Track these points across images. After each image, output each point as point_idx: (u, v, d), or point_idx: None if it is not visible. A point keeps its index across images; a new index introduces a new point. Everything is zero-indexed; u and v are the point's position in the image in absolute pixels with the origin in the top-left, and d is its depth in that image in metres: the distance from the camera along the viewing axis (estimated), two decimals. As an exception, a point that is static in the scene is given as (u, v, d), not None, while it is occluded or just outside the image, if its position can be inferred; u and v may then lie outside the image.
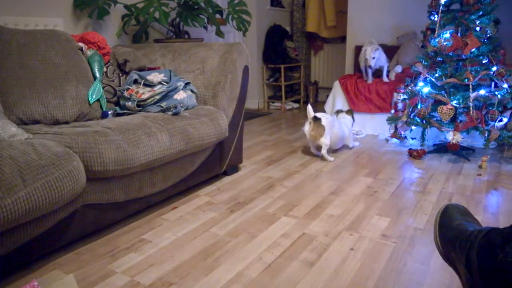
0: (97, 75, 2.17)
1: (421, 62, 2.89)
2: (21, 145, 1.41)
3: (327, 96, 4.05)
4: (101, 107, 2.13)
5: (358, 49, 4.43)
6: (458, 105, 2.63)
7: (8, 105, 1.75)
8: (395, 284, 1.36)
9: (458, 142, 2.62)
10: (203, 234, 1.75)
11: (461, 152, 2.82)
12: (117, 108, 2.21)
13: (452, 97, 2.66)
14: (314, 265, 1.49)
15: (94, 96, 2.07)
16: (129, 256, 1.57)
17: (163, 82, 2.21)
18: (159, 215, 1.95)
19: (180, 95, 2.17)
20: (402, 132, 3.09)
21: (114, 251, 1.62)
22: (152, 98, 2.13)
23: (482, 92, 2.60)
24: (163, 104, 2.10)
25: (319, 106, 5.21)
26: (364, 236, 1.70)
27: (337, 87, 3.82)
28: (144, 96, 2.12)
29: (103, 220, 1.72)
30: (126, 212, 1.83)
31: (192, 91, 2.28)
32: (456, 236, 0.96)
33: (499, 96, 2.59)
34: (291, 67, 5.30)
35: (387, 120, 3.22)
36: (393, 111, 3.27)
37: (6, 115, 1.66)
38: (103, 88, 2.17)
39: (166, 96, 2.15)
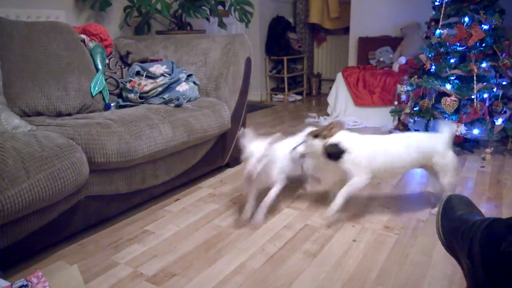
0: (100, 67, 2.16)
1: (425, 53, 2.86)
2: (24, 136, 1.41)
3: (330, 88, 4.03)
4: (103, 99, 2.13)
5: (361, 41, 4.41)
6: (462, 97, 2.62)
7: (11, 97, 1.75)
8: (398, 276, 1.36)
9: (461, 134, 2.60)
10: (206, 226, 1.75)
11: (465, 144, 2.80)
12: (120, 100, 2.21)
13: (456, 89, 2.65)
14: (316, 256, 1.49)
15: (96, 88, 2.07)
16: (132, 247, 1.58)
17: (165, 74, 2.21)
18: (162, 206, 1.96)
19: (183, 87, 2.16)
20: (408, 123, 3.07)
21: (118, 242, 1.63)
22: (155, 90, 2.12)
23: (486, 83, 2.58)
24: (166, 96, 2.10)
25: (322, 98, 5.20)
26: (366, 228, 1.70)
27: (340, 79, 3.80)
28: (147, 88, 2.12)
29: (106, 211, 1.73)
30: (129, 204, 1.84)
31: (194, 83, 2.27)
32: (459, 226, 0.95)
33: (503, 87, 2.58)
34: (294, 59, 5.28)
35: (390, 112, 3.21)
36: (396, 102, 3.25)
37: (9, 107, 1.66)
38: (105, 80, 2.16)
39: (168, 88, 2.14)
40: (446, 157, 1.71)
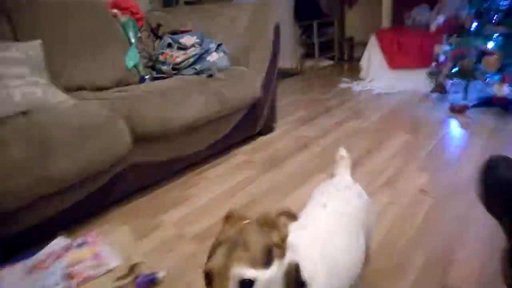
0: (133, 40, 2.21)
1: (466, 11, 2.71)
2: (71, 110, 1.49)
3: (363, 52, 3.91)
4: (138, 72, 2.18)
5: (395, 0, 4.20)
6: (505, 55, 2.47)
7: (54, 73, 1.83)
8: (433, 238, 1.37)
9: (504, 95, 2.48)
10: (240, 192, 1.81)
11: (509, 106, 2.67)
12: (154, 72, 2.26)
13: (499, 47, 2.50)
14: (350, 219, 1.51)
15: (131, 62, 2.12)
16: (173, 211, 1.67)
17: (195, 45, 2.22)
18: (199, 173, 2.03)
19: (213, 57, 2.18)
20: (446, 86, 2.96)
21: (160, 206, 1.71)
22: (186, 61, 2.15)
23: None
24: (197, 66, 2.13)
25: (354, 63, 5.06)
26: (401, 192, 1.70)
27: (373, 41, 3.68)
28: (179, 60, 2.15)
29: (149, 178, 1.82)
30: (169, 171, 1.92)
31: (224, 52, 2.28)
32: (502, 186, 0.94)
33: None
34: (324, 23, 5.12)
35: (427, 74, 3.09)
36: (434, 64, 3.12)
37: (53, 83, 1.75)
38: (139, 53, 2.21)
39: (199, 58, 2.16)
40: (374, 211, 1.06)
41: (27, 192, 1.28)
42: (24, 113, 1.49)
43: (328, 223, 0.85)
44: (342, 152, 1.12)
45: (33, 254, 1.29)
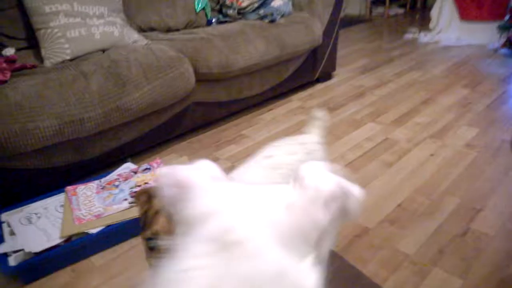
0: (201, -16, 2.32)
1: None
2: (143, 49, 1.69)
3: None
4: (206, 15, 2.32)
5: None
6: None
7: (129, 15, 2.03)
8: (469, 188, 1.43)
9: None
10: (294, 133, 1.95)
11: None
12: (220, 15, 2.38)
13: None
14: (392, 165, 1.61)
15: (200, 5, 2.26)
16: (230, 147, 1.87)
17: (261, -11, 2.29)
18: (256, 115, 2.20)
19: (277, 2, 2.24)
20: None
21: (218, 142, 1.92)
22: (251, 6, 2.24)
23: None
24: (261, 11, 2.21)
25: (427, 12, 4.75)
26: (447, 144, 1.74)
27: (448, -11, 3.44)
28: (244, 4, 2.25)
29: (210, 116, 2.02)
30: (228, 111, 2.10)
31: (288, -3, 2.32)
32: None
33: None
34: (400, -33, 4.80)
35: (498, 27, 2.89)
36: (507, 17, 2.90)
37: (128, 24, 1.95)
38: (206, -4, 2.33)
39: (264, 3, 2.24)
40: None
41: (103, 120, 1.49)
42: (102, 50, 1.71)
43: (252, 176, 0.85)
44: (318, 114, 1.11)
45: (106, 174, 1.56)
